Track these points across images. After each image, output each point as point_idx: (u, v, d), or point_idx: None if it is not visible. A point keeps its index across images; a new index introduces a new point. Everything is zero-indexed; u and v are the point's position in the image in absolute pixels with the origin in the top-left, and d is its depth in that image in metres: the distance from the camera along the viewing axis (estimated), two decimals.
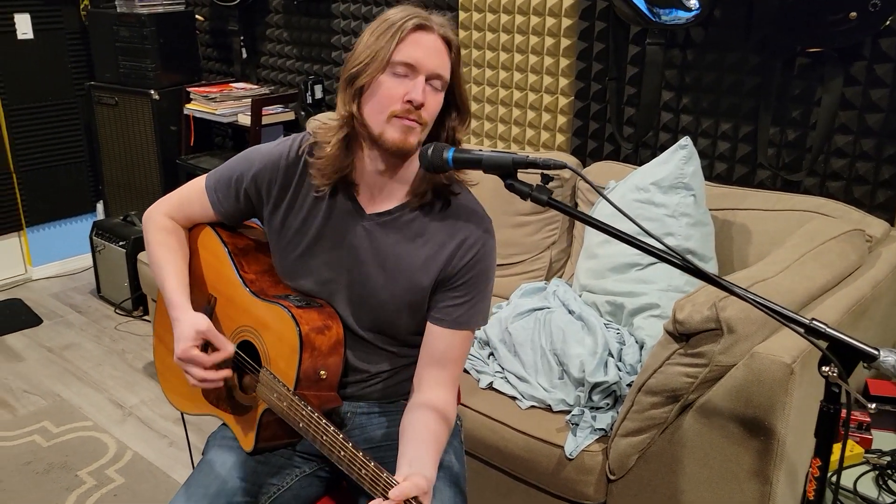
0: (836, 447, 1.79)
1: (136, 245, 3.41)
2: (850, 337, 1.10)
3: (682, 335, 1.65)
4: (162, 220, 1.59)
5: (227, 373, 1.43)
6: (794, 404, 1.54)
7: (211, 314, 1.57)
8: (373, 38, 1.32)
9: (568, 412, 1.94)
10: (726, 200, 2.28)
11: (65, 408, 2.87)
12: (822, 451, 1.15)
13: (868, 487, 1.74)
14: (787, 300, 1.66)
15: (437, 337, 1.43)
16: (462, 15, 2.97)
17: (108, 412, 2.85)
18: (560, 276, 2.60)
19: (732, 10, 2.33)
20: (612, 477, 1.81)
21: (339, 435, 1.27)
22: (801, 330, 1.12)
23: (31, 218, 3.95)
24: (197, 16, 3.89)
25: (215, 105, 3.57)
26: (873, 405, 1.21)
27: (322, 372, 1.40)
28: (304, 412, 1.33)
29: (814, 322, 1.11)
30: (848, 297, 1.78)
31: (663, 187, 2.16)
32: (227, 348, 1.43)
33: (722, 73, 2.41)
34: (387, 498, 1.15)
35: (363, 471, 1.22)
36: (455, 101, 1.40)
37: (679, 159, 2.18)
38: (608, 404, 1.91)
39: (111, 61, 3.73)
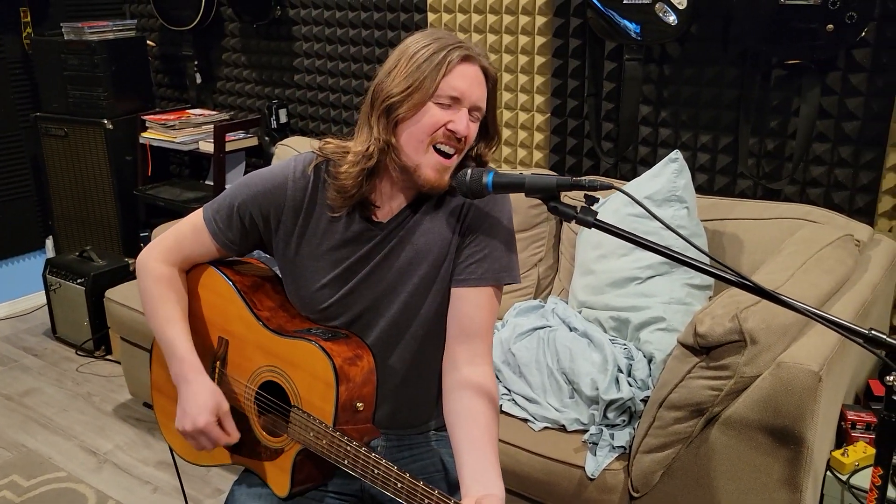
0: (850, 449, 1.82)
1: (96, 281, 3.26)
2: None
3: (704, 348, 1.66)
4: (157, 268, 1.49)
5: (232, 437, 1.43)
6: (820, 411, 1.56)
7: (224, 358, 1.50)
8: (412, 66, 1.28)
9: (582, 431, 1.92)
10: (714, 211, 2.31)
11: (33, 458, 2.70)
12: (884, 460, 1.16)
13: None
14: None
15: (462, 300, 1.40)
16: None
17: (80, 460, 2.70)
18: (548, 294, 2.59)
19: (710, 25, 2.38)
20: (635, 494, 1.80)
21: (393, 467, 1.22)
22: (860, 340, 1.13)
23: None
24: (148, 41, 3.77)
25: (175, 133, 3.45)
26: None
27: (359, 404, 1.35)
28: (348, 448, 1.28)
29: (872, 332, 1.12)
30: (853, 301, 1.83)
31: (657, 200, 2.18)
32: (235, 436, 1.42)
33: (700, 86, 2.45)
34: None
35: (426, 500, 1.17)
36: (486, 128, 1.38)
37: (671, 172, 2.20)
38: (624, 421, 1.90)
39: (59, 91, 3.57)
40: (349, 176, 1.34)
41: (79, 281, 3.32)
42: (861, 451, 1.80)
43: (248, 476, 1.49)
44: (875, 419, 1.88)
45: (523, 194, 1.27)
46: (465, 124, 1.30)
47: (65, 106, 3.58)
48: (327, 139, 1.41)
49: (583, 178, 1.23)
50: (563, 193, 1.27)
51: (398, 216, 1.41)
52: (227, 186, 3.41)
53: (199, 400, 1.39)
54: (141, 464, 2.67)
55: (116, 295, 2.86)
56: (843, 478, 1.77)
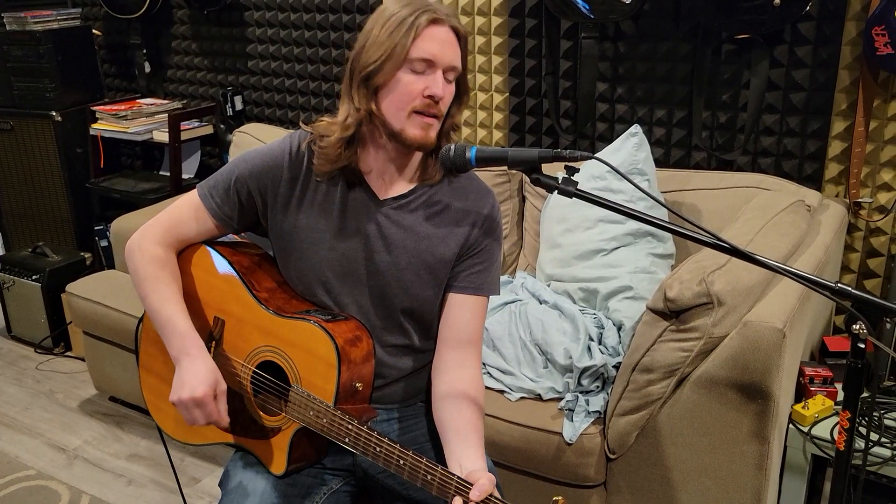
0: (810, 403, 1.92)
1: (52, 277, 3.20)
2: (873, 295, 1.19)
3: (673, 312, 1.73)
4: (152, 249, 1.48)
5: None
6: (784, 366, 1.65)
7: (220, 338, 1.51)
8: (384, 34, 1.31)
9: (558, 399, 1.99)
10: (672, 183, 2.40)
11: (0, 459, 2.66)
12: (851, 404, 1.25)
13: None
14: (761, 269, 1.77)
15: (459, 306, 1.47)
16: None
17: (50, 458, 2.66)
18: (514, 270, 2.65)
19: (662, 1, 2.45)
20: (611, 456, 1.87)
21: (395, 444, 1.26)
22: (827, 293, 1.21)
23: None
24: (94, 30, 3.68)
25: (127, 123, 3.39)
26: None
27: (358, 384, 1.38)
28: (349, 427, 1.31)
29: (838, 285, 1.20)
30: (808, 262, 1.93)
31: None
32: (225, 419, 1.39)
33: (654, 62, 2.53)
34: (466, 500, 1.16)
35: (429, 476, 1.21)
36: (459, 87, 1.42)
37: (631, 146, 2.27)
38: (598, 387, 1.97)
39: (4, 83, 3.47)
40: (330, 144, 1.39)
41: (34, 277, 3.25)
42: (820, 404, 1.91)
43: (242, 455, 1.51)
44: (831, 374, 1.99)
45: (506, 167, 1.32)
46: (440, 86, 1.33)
47: (10, 98, 3.49)
48: (320, 117, 1.45)
49: (563, 150, 1.27)
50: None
51: (401, 198, 1.45)
52: (184, 176, 3.37)
53: (201, 373, 1.38)
54: (112, 458, 2.65)
55: (77, 289, 2.82)
56: (805, 429, 1.88)
